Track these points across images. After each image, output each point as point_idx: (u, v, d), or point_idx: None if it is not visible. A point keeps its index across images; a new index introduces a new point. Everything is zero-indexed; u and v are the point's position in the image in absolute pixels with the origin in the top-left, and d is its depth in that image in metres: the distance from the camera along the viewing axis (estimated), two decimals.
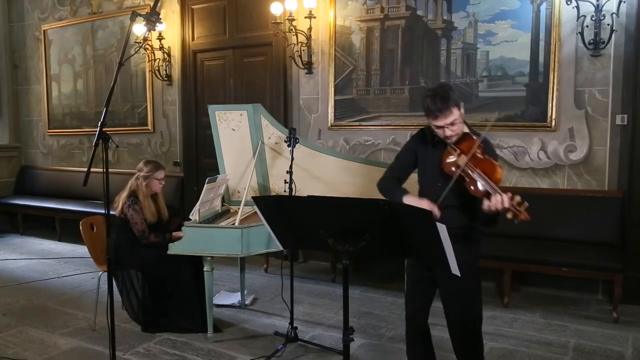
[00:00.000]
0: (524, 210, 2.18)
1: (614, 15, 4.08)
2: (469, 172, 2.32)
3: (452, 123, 2.36)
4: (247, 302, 4.37)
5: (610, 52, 4.23)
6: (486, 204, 2.22)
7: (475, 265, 2.52)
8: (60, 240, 6.82)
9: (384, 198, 2.49)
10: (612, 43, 4.18)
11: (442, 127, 2.38)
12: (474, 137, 2.41)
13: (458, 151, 2.39)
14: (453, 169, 2.36)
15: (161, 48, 6.29)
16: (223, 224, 3.71)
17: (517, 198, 2.19)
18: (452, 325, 2.56)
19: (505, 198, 2.18)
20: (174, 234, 3.82)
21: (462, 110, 2.40)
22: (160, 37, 6.21)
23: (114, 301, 2.78)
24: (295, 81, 5.64)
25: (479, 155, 2.35)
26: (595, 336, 3.64)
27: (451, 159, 2.40)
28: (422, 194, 2.55)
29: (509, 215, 2.19)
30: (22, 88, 8.03)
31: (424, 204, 2.32)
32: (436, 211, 2.29)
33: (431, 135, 2.54)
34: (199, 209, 3.61)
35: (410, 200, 2.42)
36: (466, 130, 2.45)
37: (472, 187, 2.30)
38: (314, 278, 5.10)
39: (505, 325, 3.82)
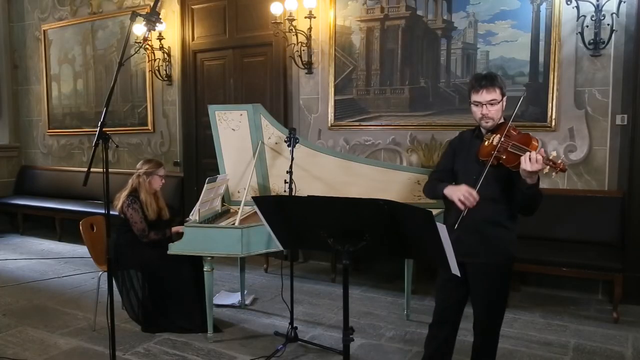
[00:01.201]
0: (560, 161, 2.19)
1: (614, 15, 4.08)
2: (505, 147, 2.32)
3: (491, 102, 2.40)
4: (247, 302, 4.36)
5: (610, 52, 4.22)
6: (522, 164, 2.20)
7: (506, 267, 2.51)
8: (60, 240, 6.82)
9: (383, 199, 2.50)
10: (612, 43, 4.18)
11: (480, 104, 2.42)
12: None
13: (494, 135, 2.40)
14: (491, 152, 2.36)
15: (161, 48, 6.29)
16: (223, 224, 3.71)
17: (553, 153, 2.23)
18: (476, 324, 2.58)
19: (538, 153, 2.18)
20: (174, 229, 3.83)
21: (505, 100, 2.45)
22: (160, 37, 6.21)
23: (114, 301, 2.78)
24: (295, 81, 5.64)
25: (514, 133, 2.37)
26: (595, 336, 3.64)
27: (487, 144, 2.41)
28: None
29: (546, 170, 2.19)
30: (22, 88, 8.03)
31: (463, 188, 2.34)
32: (475, 195, 2.30)
33: (469, 133, 2.60)
34: (199, 209, 3.61)
35: (449, 189, 2.43)
36: (502, 121, 2.48)
37: (509, 160, 2.29)
38: (314, 278, 5.10)
39: (505, 325, 3.76)
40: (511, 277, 2.59)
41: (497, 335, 2.60)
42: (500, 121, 2.47)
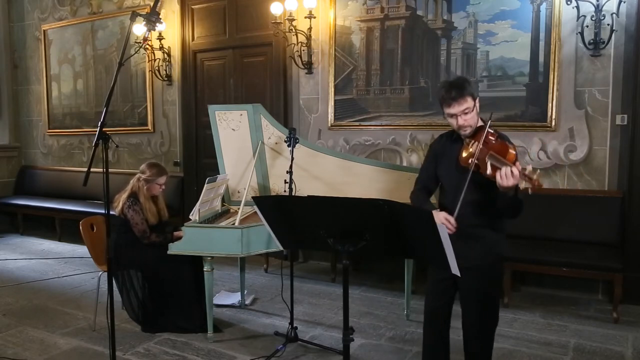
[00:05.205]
0: (536, 177, 2.16)
1: (614, 15, 4.08)
2: (483, 157, 2.29)
3: (465, 112, 2.36)
4: (247, 302, 4.37)
5: (610, 52, 4.22)
6: (498, 180, 2.18)
7: (495, 268, 2.50)
8: (60, 240, 6.82)
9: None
10: (612, 43, 4.18)
11: (455, 116, 2.38)
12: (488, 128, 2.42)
13: (473, 141, 2.38)
14: (469, 160, 2.34)
15: (161, 48, 6.29)
16: (223, 224, 3.71)
17: (529, 167, 2.19)
18: (467, 327, 2.56)
19: (514, 168, 2.15)
20: (175, 233, 3.83)
21: (478, 104, 2.40)
22: (160, 37, 6.21)
23: (114, 301, 2.78)
24: (295, 81, 5.64)
25: (492, 140, 2.34)
26: (595, 336, 3.64)
27: (466, 150, 2.39)
28: (442, 195, 2.55)
29: (522, 185, 2.16)
30: (22, 88, 8.03)
31: (440, 216, 2.30)
32: (452, 222, 2.28)
33: (449, 135, 2.57)
34: (199, 209, 3.61)
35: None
36: (481, 124, 2.45)
37: (487, 172, 2.27)
38: (314, 278, 5.10)
39: (505, 325, 3.81)
40: (502, 277, 2.57)
41: (492, 337, 2.58)
42: (479, 124, 2.43)
